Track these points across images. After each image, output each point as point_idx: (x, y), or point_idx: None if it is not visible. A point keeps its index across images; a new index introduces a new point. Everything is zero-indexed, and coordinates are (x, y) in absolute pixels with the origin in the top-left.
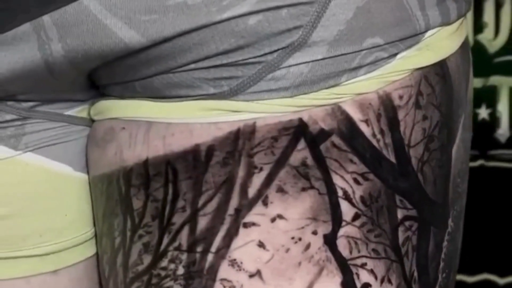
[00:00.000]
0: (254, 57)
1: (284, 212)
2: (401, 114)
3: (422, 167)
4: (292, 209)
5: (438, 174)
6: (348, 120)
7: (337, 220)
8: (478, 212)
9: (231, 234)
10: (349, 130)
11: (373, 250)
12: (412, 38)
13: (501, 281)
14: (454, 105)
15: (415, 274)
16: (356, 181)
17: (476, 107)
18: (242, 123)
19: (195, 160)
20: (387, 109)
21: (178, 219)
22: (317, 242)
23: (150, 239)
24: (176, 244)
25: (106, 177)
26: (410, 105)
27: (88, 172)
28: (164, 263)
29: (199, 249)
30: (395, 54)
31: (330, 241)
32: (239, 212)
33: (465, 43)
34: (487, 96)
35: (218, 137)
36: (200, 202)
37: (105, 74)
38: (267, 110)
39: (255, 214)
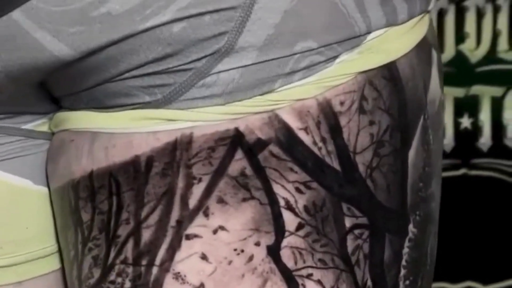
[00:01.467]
0: (183, 64)
1: (226, 224)
2: (343, 120)
3: (371, 173)
4: (233, 220)
5: (392, 180)
6: (286, 128)
7: (280, 230)
8: (461, 220)
9: (174, 247)
10: (287, 139)
11: (320, 260)
12: (350, 40)
13: None
14: (409, 108)
15: (369, 283)
16: (298, 190)
17: (458, 117)
18: (179, 133)
19: (136, 171)
20: (328, 116)
21: (123, 231)
22: (260, 253)
23: (98, 252)
24: (122, 257)
25: (60, 190)
26: (353, 110)
27: (48, 186)
28: (112, 276)
29: (144, 262)
30: (334, 58)
31: (273, 252)
32: (181, 224)
33: (423, 42)
34: (469, 106)
35: (156, 148)
36: (143, 214)
37: (54, 86)
38: (202, 119)
39: (197, 226)
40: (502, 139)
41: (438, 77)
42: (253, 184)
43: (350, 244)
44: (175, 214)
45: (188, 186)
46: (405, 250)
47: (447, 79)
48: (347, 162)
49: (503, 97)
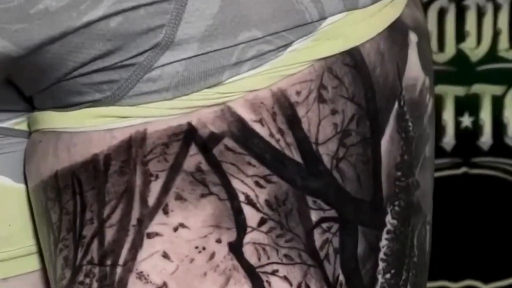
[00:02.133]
0: (126, 60)
1: (186, 221)
2: (301, 111)
3: (337, 164)
4: (193, 217)
5: (363, 170)
6: (240, 121)
7: (241, 226)
8: (462, 219)
9: (136, 246)
10: (241, 132)
11: (285, 255)
12: (302, 28)
13: (485, 287)
14: (378, 94)
15: (341, 277)
16: (258, 184)
17: (459, 115)
18: (134, 130)
19: (96, 170)
20: (283, 107)
21: (88, 231)
22: (222, 250)
23: (68, 253)
24: (88, 257)
25: (34, 191)
26: (311, 100)
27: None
28: (80, 277)
29: (108, 262)
30: (285, 46)
31: (235, 248)
32: (142, 223)
33: (397, 25)
34: (470, 104)
35: (112, 146)
36: (105, 213)
37: (20, 85)
38: (153, 114)
39: (157, 224)
40: (503, 137)
41: (419, 60)
42: (211, 180)
43: (318, 238)
44: (135, 213)
45: (146, 184)
46: (383, 242)
47: (448, 78)
48: (309, 153)
49: (503, 95)
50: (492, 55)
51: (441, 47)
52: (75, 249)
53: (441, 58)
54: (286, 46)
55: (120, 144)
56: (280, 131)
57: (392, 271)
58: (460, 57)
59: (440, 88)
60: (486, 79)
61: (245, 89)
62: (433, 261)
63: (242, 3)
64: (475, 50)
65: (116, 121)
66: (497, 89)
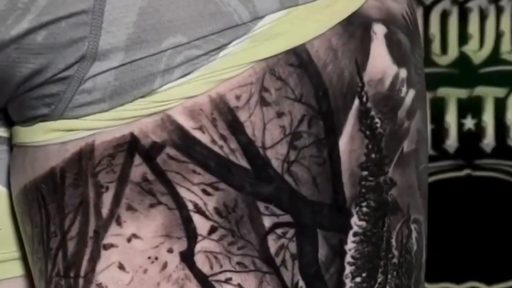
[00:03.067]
0: (59, 73)
1: (138, 231)
2: (242, 116)
3: (289, 168)
4: (145, 228)
5: (318, 172)
6: (180, 129)
7: (191, 235)
8: (465, 221)
9: (95, 258)
10: (182, 140)
11: (238, 263)
12: (232, 30)
13: None
14: (332, 93)
15: (301, 283)
16: (205, 192)
17: (462, 118)
18: (83, 142)
19: (54, 183)
20: (223, 112)
21: (53, 244)
22: (174, 260)
23: (41, 265)
24: (56, 269)
25: (14, 202)
26: (253, 104)
27: None
28: None
29: (72, 274)
30: (217, 50)
31: (187, 258)
32: (98, 234)
33: (355, 18)
34: (473, 107)
35: (66, 159)
36: (66, 226)
37: None
38: (96, 126)
39: (112, 235)
40: (506, 140)
41: (388, 52)
42: (158, 189)
43: (272, 244)
44: (92, 225)
45: (98, 195)
46: (350, 245)
47: (451, 81)
48: (256, 158)
49: (506, 98)
50: (494, 57)
51: (444, 49)
52: (45, 261)
53: (443, 60)
54: (219, 49)
55: (72, 157)
56: (223, 137)
57: (363, 275)
58: (463, 59)
59: (443, 91)
60: (488, 82)
61: (182, 96)
62: (436, 263)
63: (162, 9)
64: (477, 52)
65: (68, 134)
66: (500, 91)
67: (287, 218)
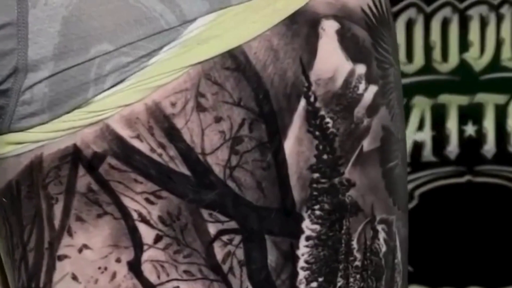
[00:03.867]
0: None
1: (88, 242)
2: (179, 123)
3: (231, 173)
4: (94, 238)
5: (263, 177)
6: (118, 139)
7: (138, 244)
8: (466, 226)
9: (51, 269)
10: (122, 150)
11: (185, 271)
12: (160, 35)
13: None
14: (274, 94)
15: None
16: (148, 201)
17: (462, 124)
18: (33, 155)
19: (12, 195)
20: (159, 120)
21: (17, 255)
22: (122, 270)
23: (10, 276)
24: (21, 281)
25: None
26: (189, 110)
27: None
28: None
29: (33, 285)
30: (147, 57)
31: (134, 267)
32: (52, 246)
33: (299, 16)
34: (473, 113)
35: (20, 171)
36: (25, 238)
37: None
38: (40, 138)
39: (65, 246)
40: (506, 146)
41: (340, 49)
42: (103, 199)
43: (219, 251)
44: (46, 236)
45: (50, 207)
46: (303, 250)
47: (452, 88)
48: (196, 165)
49: (506, 104)
50: (495, 64)
51: (445, 57)
52: (13, 272)
53: (444, 67)
54: (149, 56)
55: (24, 169)
56: (161, 145)
57: (320, 279)
58: (464, 66)
59: (444, 98)
60: (489, 88)
61: (117, 105)
62: (438, 268)
63: (85, 18)
64: (478, 59)
65: (19, 147)
66: (500, 98)
67: (232, 224)
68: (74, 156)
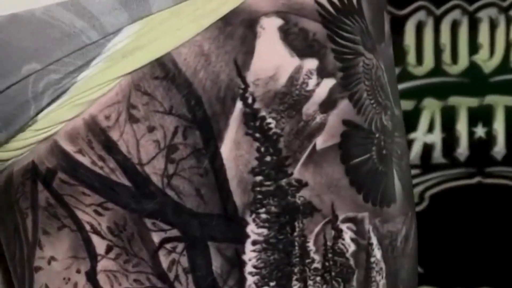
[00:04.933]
0: None
1: (55, 253)
2: (114, 135)
3: (169, 182)
4: (58, 250)
5: (202, 183)
6: (65, 154)
7: (92, 255)
8: (476, 227)
9: (31, 280)
10: (68, 164)
11: (135, 280)
12: (84, 50)
13: None
14: (207, 100)
15: None
16: (97, 212)
17: (472, 126)
18: (7, 172)
19: (0, 210)
20: (96, 134)
21: (10, 267)
22: (82, 280)
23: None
24: None
25: None
26: (122, 122)
27: None
28: None
29: None
30: (75, 72)
31: (91, 277)
32: (30, 258)
33: (234, 17)
34: (483, 115)
35: (1, 188)
36: (11, 251)
37: None
38: (5, 157)
39: (38, 258)
40: None
41: (284, 45)
42: (61, 213)
43: (164, 260)
44: (25, 249)
45: (23, 221)
46: (250, 255)
47: (461, 90)
48: (135, 175)
49: None
50: (505, 66)
51: (455, 59)
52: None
53: (454, 70)
54: (78, 71)
55: (2, 185)
56: (101, 158)
57: (272, 284)
58: (473, 68)
59: (453, 100)
60: (499, 90)
61: (58, 121)
62: (449, 269)
63: (13, 40)
64: (488, 61)
65: None
66: (510, 100)
67: (174, 232)
68: (32, 172)
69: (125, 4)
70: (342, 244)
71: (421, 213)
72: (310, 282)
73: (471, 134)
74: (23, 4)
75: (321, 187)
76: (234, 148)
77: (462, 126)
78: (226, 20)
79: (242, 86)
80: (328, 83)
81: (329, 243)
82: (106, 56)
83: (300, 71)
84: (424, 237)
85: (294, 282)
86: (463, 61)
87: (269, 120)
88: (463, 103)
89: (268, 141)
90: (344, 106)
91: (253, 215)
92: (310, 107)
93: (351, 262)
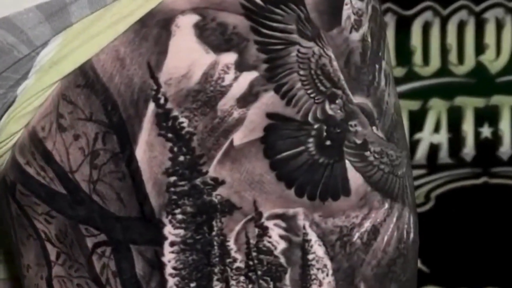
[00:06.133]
0: None
1: (29, 261)
2: (49, 145)
3: (95, 188)
4: (30, 257)
5: (121, 187)
6: (18, 166)
7: (48, 262)
8: (482, 228)
9: (23, 285)
10: (22, 176)
11: (78, 285)
12: (18, 64)
13: None
14: (122, 103)
15: None
16: (46, 221)
17: (479, 126)
18: None
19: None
20: (36, 145)
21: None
22: (44, 286)
23: None
24: None
25: None
26: (54, 131)
27: None
28: None
29: None
30: (15, 86)
31: (49, 284)
32: (19, 265)
33: (150, 18)
34: (490, 115)
35: None
36: (18, 256)
37: None
38: None
39: (22, 266)
40: None
41: (199, 43)
42: (25, 222)
43: (97, 264)
44: (17, 256)
45: (10, 230)
46: (168, 256)
47: (468, 90)
48: (68, 183)
49: None
50: (511, 67)
51: (461, 59)
52: None
53: (461, 70)
54: (17, 84)
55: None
56: (42, 168)
57: (192, 285)
58: (480, 69)
59: (460, 100)
60: (505, 91)
61: (10, 133)
62: (454, 269)
63: None
64: (494, 62)
65: None
66: None
67: (103, 237)
68: (3, 185)
69: (48, 18)
70: (269, 242)
71: (427, 213)
72: (233, 282)
73: (477, 134)
74: None
75: (241, 184)
76: (148, 150)
77: (468, 126)
78: (142, 22)
79: (155, 87)
80: (248, 77)
81: (252, 242)
82: (37, 68)
83: (215, 67)
84: (429, 237)
85: (215, 283)
86: (470, 62)
87: (181, 119)
88: (469, 104)
89: (180, 141)
90: (268, 99)
91: (169, 216)
92: (226, 103)
93: (281, 260)
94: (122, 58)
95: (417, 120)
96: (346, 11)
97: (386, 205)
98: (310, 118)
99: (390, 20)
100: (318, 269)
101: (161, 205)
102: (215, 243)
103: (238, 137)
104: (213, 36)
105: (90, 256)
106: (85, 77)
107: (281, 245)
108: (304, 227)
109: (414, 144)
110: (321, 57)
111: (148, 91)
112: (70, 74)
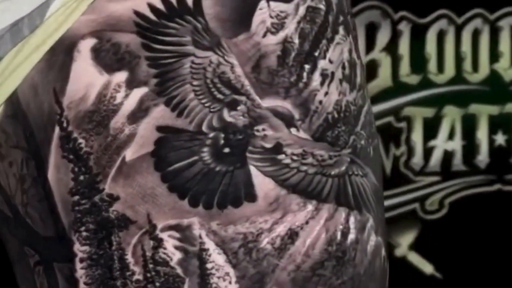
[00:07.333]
0: None
1: None
2: None
3: (26, 211)
4: None
5: (41, 209)
6: None
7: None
8: (496, 234)
9: None
10: None
11: None
12: None
13: None
14: (36, 129)
15: None
16: (11, 242)
17: (493, 134)
18: None
19: None
20: None
21: None
22: None
23: None
24: None
25: None
26: None
27: None
28: None
29: None
30: None
31: None
32: None
33: (58, 45)
34: (504, 123)
35: None
36: None
37: None
38: None
39: None
40: None
41: (94, 65)
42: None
43: (38, 283)
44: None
45: None
46: (80, 272)
47: (482, 98)
48: (12, 207)
49: None
50: None
51: (475, 67)
52: None
53: (475, 78)
54: None
55: None
56: None
57: None
58: (494, 77)
59: (474, 107)
60: None
61: None
62: (468, 275)
63: None
64: (508, 70)
65: None
66: None
67: (37, 257)
68: None
69: None
70: (164, 253)
71: (440, 219)
72: None
73: (491, 141)
74: None
75: (134, 198)
76: (56, 172)
77: (482, 134)
78: (53, 50)
79: (59, 111)
80: (138, 93)
81: (148, 254)
82: None
83: (108, 87)
84: (443, 243)
85: None
86: (484, 70)
87: (80, 140)
88: (483, 111)
89: (80, 161)
90: (158, 113)
91: (76, 234)
92: (118, 120)
93: (178, 270)
94: (36, 86)
95: (431, 127)
96: (260, 16)
97: (310, 207)
98: (204, 128)
99: (405, 28)
100: (219, 277)
101: (69, 224)
102: (115, 257)
103: (130, 153)
104: (107, 57)
105: (33, 275)
106: (12, 107)
107: (177, 255)
108: (200, 236)
109: (428, 151)
110: (220, 65)
111: (54, 115)
112: (2, 105)
